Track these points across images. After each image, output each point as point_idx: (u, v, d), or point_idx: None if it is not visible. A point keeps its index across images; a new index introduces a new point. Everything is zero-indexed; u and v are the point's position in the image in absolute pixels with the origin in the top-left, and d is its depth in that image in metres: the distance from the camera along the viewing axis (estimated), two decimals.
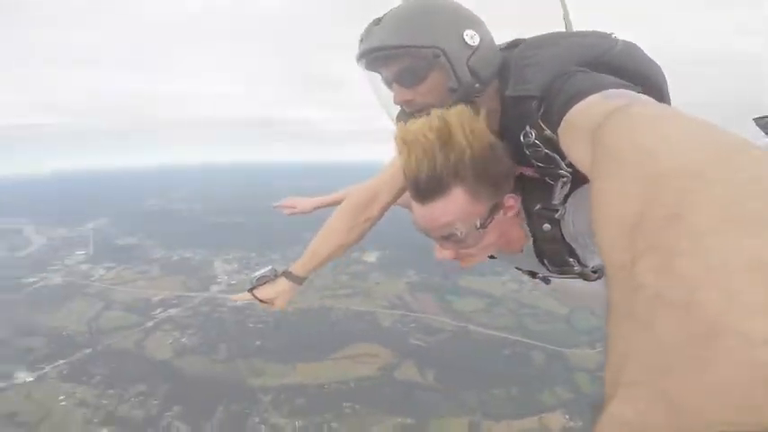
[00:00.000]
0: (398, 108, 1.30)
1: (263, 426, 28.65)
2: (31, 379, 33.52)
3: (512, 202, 1.18)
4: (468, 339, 38.84)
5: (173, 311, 45.02)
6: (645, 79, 1.13)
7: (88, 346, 38.08)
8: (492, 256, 1.47)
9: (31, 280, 55.00)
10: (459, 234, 1.14)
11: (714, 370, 0.27)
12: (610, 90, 0.86)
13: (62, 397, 31.21)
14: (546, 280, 1.52)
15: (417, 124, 1.09)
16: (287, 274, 1.64)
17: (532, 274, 1.54)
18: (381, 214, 1.58)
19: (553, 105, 1.01)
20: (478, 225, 1.13)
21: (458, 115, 1.08)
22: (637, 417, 0.30)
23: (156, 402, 30.61)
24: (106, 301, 47.49)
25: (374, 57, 1.19)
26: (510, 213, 1.20)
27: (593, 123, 0.68)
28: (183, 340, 39.18)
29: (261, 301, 1.64)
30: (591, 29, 1.24)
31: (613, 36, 1.19)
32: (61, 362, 35.70)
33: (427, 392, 31.81)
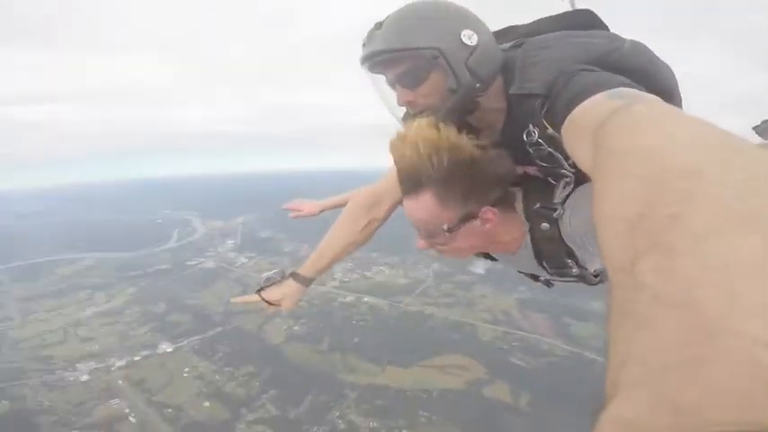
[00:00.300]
0: (404, 109, 1.34)
1: (340, 420, 30.13)
2: (170, 350, 40.39)
3: (489, 215, 1.22)
4: (579, 366, 35.23)
5: None
6: (653, 80, 1.13)
7: (221, 325, 44.46)
8: (492, 258, 1.54)
9: (193, 262, 66.48)
10: (427, 231, 1.25)
11: (715, 370, 0.27)
12: (614, 89, 0.85)
13: (187, 369, 36.99)
14: (548, 283, 1.55)
15: (408, 130, 1.18)
16: (294, 276, 1.67)
17: (534, 278, 1.56)
18: (387, 215, 1.62)
19: (557, 104, 1.01)
20: (446, 228, 1.21)
21: (435, 130, 1.14)
22: (637, 417, 0.30)
23: (257, 384, 34.43)
24: (244, 286, 54.42)
25: (375, 60, 1.22)
26: (488, 225, 1.24)
27: (596, 123, 0.68)
28: (296, 328, 43.25)
29: (268, 302, 1.66)
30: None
31: (620, 36, 1.21)
32: (196, 337, 42.31)
33: (515, 416, 30.02)
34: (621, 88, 0.85)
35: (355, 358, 37.27)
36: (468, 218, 1.21)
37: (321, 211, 2.11)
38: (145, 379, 35.50)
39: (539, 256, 1.32)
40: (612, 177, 0.50)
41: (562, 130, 0.94)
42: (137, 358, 38.78)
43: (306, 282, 1.67)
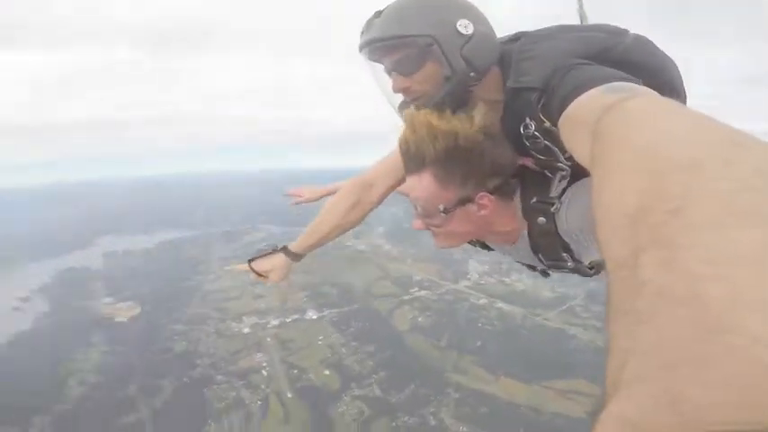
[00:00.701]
0: (400, 98, 1.35)
1: (431, 417, 30.40)
2: (314, 317, 45.90)
3: (485, 201, 1.23)
4: None
5: (423, 293, 51.25)
6: (654, 74, 1.14)
7: (358, 303, 48.62)
8: (489, 248, 1.60)
9: (349, 243, 72.90)
10: (424, 211, 1.27)
11: (718, 367, 0.27)
12: (610, 83, 0.86)
13: (321, 337, 41.53)
14: (544, 273, 1.56)
15: (414, 114, 1.23)
16: (284, 250, 1.75)
17: (532, 268, 1.58)
18: (380, 200, 1.67)
19: (553, 98, 1.02)
20: (441, 209, 1.23)
21: (437, 114, 1.18)
22: (638, 414, 0.29)
23: (372, 363, 36.79)
24: (383, 271, 58.50)
25: (372, 48, 1.26)
26: (483, 211, 1.25)
27: (593, 117, 0.68)
28: (420, 319, 44.57)
29: (256, 273, 1.75)
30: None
31: (624, 30, 1.21)
32: (336, 310, 47.12)
33: None
34: (618, 82, 0.86)
35: (470, 361, 36.66)
36: (465, 201, 1.23)
37: (322, 197, 2.18)
38: (288, 340, 41.26)
39: (535, 248, 1.34)
40: (611, 172, 0.50)
41: (559, 125, 0.95)
42: (288, 320, 45.20)
43: (295, 257, 1.76)
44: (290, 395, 33.39)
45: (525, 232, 1.32)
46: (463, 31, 1.17)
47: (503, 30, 1.37)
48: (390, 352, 38.13)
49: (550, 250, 1.30)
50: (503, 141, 1.22)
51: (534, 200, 1.25)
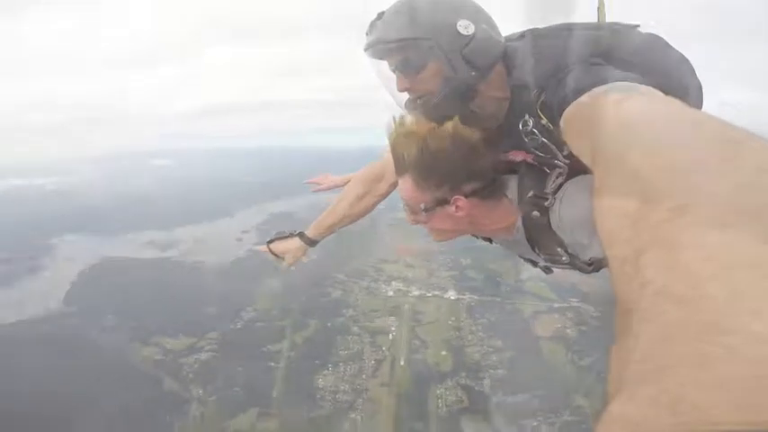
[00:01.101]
0: (406, 96, 1.39)
1: (530, 430, 28.25)
2: (453, 298, 45.93)
3: (461, 203, 1.30)
4: None
5: (585, 306, 45.48)
6: (664, 74, 1.12)
7: (501, 297, 46.35)
8: (489, 240, 1.64)
9: None
10: (410, 208, 1.39)
11: (716, 368, 0.27)
12: (611, 83, 0.87)
13: (453, 319, 41.50)
14: (546, 269, 1.60)
15: (398, 121, 1.32)
16: (300, 235, 1.90)
17: (534, 263, 1.62)
18: (389, 192, 1.79)
19: (553, 97, 1.05)
20: (423, 208, 1.34)
21: (413, 125, 1.28)
22: (640, 415, 0.29)
23: (494, 358, 35.24)
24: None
25: (376, 50, 1.30)
26: (460, 213, 1.32)
27: (594, 117, 0.69)
28: (568, 330, 40.05)
29: (273, 254, 1.93)
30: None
31: (633, 29, 1.22)
32: (476, 296, 46.10)
33: None
34: (618, 83, 0.87)
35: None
36: (442, 203, 1.31)
37: (339, 186, 2.25)
38: (421, 312, 42.60)
39: (531, 241, 1.37)
40: (612, 172, 0.50)
41: (561, 124, 0.98)
42: (428, 294, 46.29)
43: (309, 242, 1.89)
44: (402, 363, 34.69)
45: (521, 225, 1.35)
46: (463, 31, 1.19)
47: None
48: (515, 353, 35.82)
49: (545, 244, 1.32)
50: (481, 147, 1.26)
51: (531, 194, 1.27)
